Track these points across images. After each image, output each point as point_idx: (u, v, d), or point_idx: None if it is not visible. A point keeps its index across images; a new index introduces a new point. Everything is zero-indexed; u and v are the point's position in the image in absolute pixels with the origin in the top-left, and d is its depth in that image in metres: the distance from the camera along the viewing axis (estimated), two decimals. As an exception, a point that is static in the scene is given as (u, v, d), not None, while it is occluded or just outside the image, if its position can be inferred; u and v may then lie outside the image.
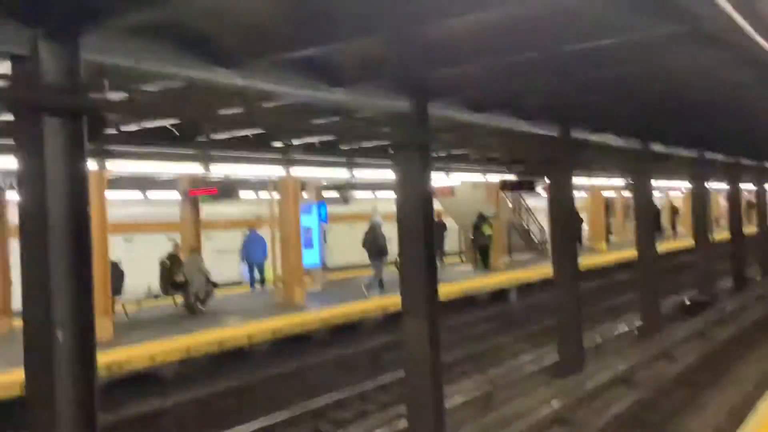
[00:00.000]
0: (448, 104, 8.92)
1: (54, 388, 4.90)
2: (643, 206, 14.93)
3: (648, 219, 15.01)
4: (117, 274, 13.65)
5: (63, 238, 4.94)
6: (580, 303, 11.90)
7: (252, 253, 18.66)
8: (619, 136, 12.83)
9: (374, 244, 16.71)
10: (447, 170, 16.11)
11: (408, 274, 8.53)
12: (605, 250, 26.32)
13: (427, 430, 8.24)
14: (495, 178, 19.76)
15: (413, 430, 8.39)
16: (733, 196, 22.19)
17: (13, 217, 13.48)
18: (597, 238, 27.47)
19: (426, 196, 8.50)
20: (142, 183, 19.17)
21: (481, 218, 21.26)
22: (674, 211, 35.38)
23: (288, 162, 13.48)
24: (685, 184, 24.46)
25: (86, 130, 5.14)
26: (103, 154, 10.63)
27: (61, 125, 4.96)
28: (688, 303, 17.64)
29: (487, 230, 21.37)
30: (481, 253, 21.74)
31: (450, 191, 20.08)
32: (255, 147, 12.07)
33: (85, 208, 5.13)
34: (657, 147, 14.63)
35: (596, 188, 26.42)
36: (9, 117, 8.31)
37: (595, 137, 12.05)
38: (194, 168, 12.36)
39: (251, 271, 18.94)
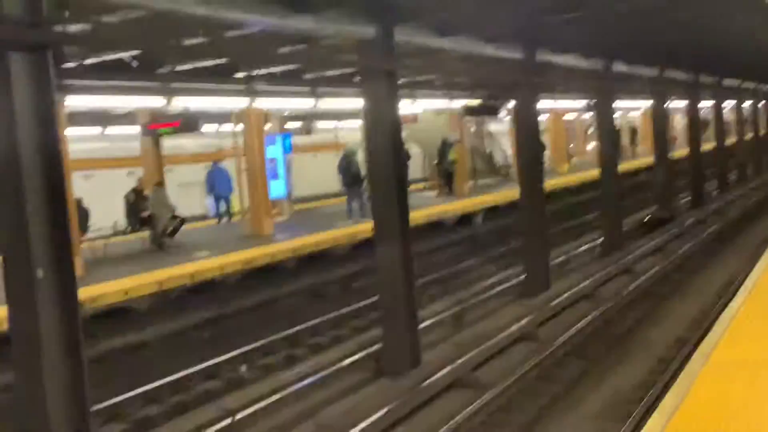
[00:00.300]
0: (413, 29, 8.86)
1: (38, 323, 4.95)
2: (606, 127, 15.16)
3: (610, 139, 15.27)
4: (81, 212, 13.49)
5: (36, 175, 4.91)
6: (546, 224, 12.18)
7: (217, 186, 18.55)
8: (582, 57, 12.90)
9: (348, 172, 16.84)
10: (411, 97, 16.06)
11: (379, 201, 8.63)
12: (567, 172, 26.71)
13: (402, 351, 8.52)
14: (458, 104, 19.83)
15: (389, 352, 8.65)
16: (692, 114, 22.58)
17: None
18: (559, 160, 27.83)
19: (394, 123, 8.54)
20: (102, 118, 18.75)
21: (446, 144, 21.37)
22: (633, 131, 35.92)
23: (251, 93, 13.29)
24: (643, 104, 24.77)
25: (51, 66, 5.04)
26: (61, 89, 10.35)
27: (26, 59, 4.86)
28: (647, 219, 18.14)
29: (451, 155, 21.52)
30: (445, 178, 21.94)
31: (414, 118, 20.05)
32: (218, 78, 11.87)
33: (56, 144, 5.09)
34: (619, 67, 14.75)
35: (557, 111, 26.61)
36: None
37: (558, 59, 12.10)
38: (155, 101, 12.14)
39: (217, 204, 18.86)
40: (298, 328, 11.37)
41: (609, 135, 15.27)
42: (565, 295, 11.25)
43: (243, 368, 10.17)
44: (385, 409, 7.29)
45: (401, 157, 8.65)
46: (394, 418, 7.30)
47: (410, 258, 8.59)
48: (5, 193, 4.96)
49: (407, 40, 8.74)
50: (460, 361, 8.48)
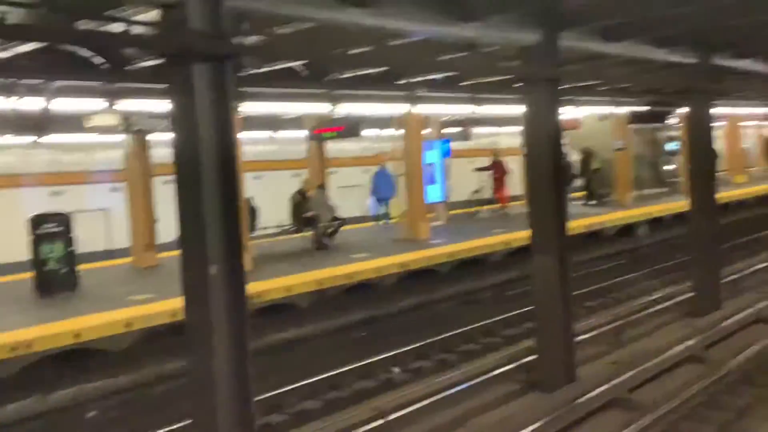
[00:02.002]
0: (578, 34, 8.60)
1: (210, 316, 5.29)
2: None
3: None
4: (250, 211, 14.27)
5: (214, 177, 5.25)
6: (717, 238, 11.42)
7: (381, 188, 19.00)
8: (764, 62, 11.97)
9: None
10: (574, 102, 15.64)
11: (536, 210, 8.46)
12: (743, 183, 24.94)
13: (557, 365, 8.29)
14: (623, 110, 19.07)
15: (543, 364, 8.45)
16: None
17: (155, 157, 14.35)
18: (734, 170, 26.03)
19: (555, 131, 8.33)
20: (272, 123, 19.75)
21: (588, 153, 20.87)
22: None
23: (412, 99, 13.50)
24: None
25: (230, 75, 5.37)
26: (237, 96, 11.01)
27: (208, 69, 5.21)
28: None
29: (595, 164, 21.08)
30: (588, 187, 21.36)
31: (575, 124, 19.53)
32: (380, 85, 12.15)
33: (233, 148, 5.41)
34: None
35: (734, 118, 24.89)
36: (155, 62, 8.80)
37: (737, 63, 11.30)
38: (321, 107, 12.62)
39: (380, 205, 19.32)
40: (450, 333, 11.39)
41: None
42: (738, 316, 10.48)
43: (396, 370, 10.33)
44: (536, 424, 7.14)
45: (561, 165, 8.42)
46: (547, 432, 7.14)
47: (567, 268, 8.35)
48: (186, 193, 5.33)
49: (571, 46, 8.50)
50: (618, 379, 8.13)
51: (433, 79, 12.74)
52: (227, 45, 5.38)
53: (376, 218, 19.39)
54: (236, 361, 5.39)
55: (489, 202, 20.73)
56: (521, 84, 8.58)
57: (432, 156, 17.66)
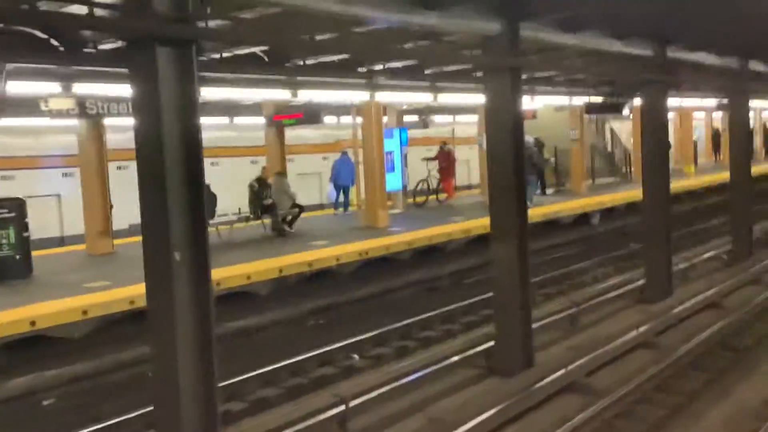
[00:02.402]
0: (539, 25, 8.72)
1: (174, 303, 5.26)
2: (739, 127, 14.38)
3: (743, 141, 14.48)
4: (210, 198, 14.11)
5: (178, 163, 5.20)
6: (670, 227, 11.72)
7: (341, 176, 18.94)
8: (717, 55, 12.29)
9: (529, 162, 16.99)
10: (531, 93, 15.84)
11: (496, 198, 8.57)
12: (693, 174, 25.58)
13: (515, 350, 8.44)
14: (579, 101, 19.37)
15: (501, 350, 8.59)
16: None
17: (110, 142, 14.10)
18: (685, 161, 26.68)
19: (517, 120, 8.45)
20: (229, 108, 19.55)
21: (538, 143, 21.05)
22: (766, 132, 33.93)
23: (372, 87, 13.51)
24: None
25: (195, 59, 5.32)
26: (198, 81, 10.87)
27: (172, 53, 5.15)
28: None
29: (545, 154, 21.37)
30: (538, 177, 21.56)
31: (532, 114, 19.76)
32: (341, 72, 12.13)
33: (198, 134, 5.37)
34: (756, 66, 13.95)
35: (685, 109, 25.49)
36: (114, 45, 8.64)
37: (690, 56, 11.58)
38: (281, 93, 12.54)
39: (338, 194, 19.27)
40: (410, 320, 11.49)
41: (741, 136, 14.48)
42: (689, 303, 10.79)
43: (355, 357, 10.39)
44: (496, 408, 7.26)
45: (521, 154, 8.55)
46: (505, 417, 7.25)
47: (526, 256, 8.50)
48: (149, 180, 5.27)
49: (531, 36, 8.62)
50: (574, 364, 8.32)
51: (394, 68, 12.77)
52: (192, 29, 5.33)
53: (336, 206, 19.36)
54: (201, 347, 5.38)
55: (435, 192, 20.62)
56: (482, 73, 8.66)
57: (391, 144, 17.69)
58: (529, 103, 18.09)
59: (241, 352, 10.14)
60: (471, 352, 9.38)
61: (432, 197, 20.33)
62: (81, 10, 5.90)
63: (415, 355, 10.17)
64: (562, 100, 19.77)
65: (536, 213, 16.39)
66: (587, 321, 10.71)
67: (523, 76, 14.30)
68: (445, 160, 20.68)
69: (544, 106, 20.24)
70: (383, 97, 15.02)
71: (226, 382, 8.72)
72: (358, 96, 14.46)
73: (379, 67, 12.59)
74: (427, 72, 13.18)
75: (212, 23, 7.17)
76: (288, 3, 6.23)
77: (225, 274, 10.96)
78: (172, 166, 5.17)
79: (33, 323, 8.88)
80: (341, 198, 19.27)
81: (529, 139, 17.21)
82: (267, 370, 9.50)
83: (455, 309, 12.18)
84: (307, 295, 12.08)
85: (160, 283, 5.33)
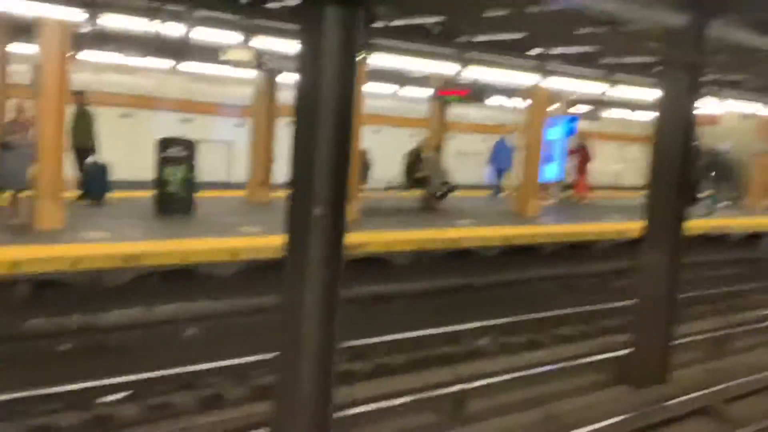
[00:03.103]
0: (729, 22, 8.07)
1: (307, 255, 5.42)
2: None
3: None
4: (365, 163, 14.42)
5: (329, 121, 5.31)
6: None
7: (499, 159, 18.69)
8: None
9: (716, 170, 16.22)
10: (715, 96, 14.77)
11: (654, 201, 8.09)
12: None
13: (650, 363, 8.02)
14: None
15: (636, 360, 8.18)
16: None
17: (282, 98, 14.68)
18: None
19: (688, 121, 7.91)
20: (397, 78, 19.76)
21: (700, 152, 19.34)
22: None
23: (542, 71, 13.13)
24: None
25: (362, 22, 5.37)
26: (366, 47, 11.05)
27: (340, 13, 5.23)
28: None
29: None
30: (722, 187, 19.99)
31: (714, 120, 18.45)
32: (511, 52, 11.88)
33: (352, 95, 5.44)
34: None
35: None
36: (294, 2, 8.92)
37: None
38: (449, 68, 12.47)
39: (497, 177, 19.06)
40: (544, 314, 11.19)
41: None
42: None
43: (483, 341, 10.28)
44: (621, 417, 6.95)
45: (689, 158, 8.00)
46: (630, 428, 6.93)
47: (678, 268, 7.99)
48: (301, 134, 5.42)
49: (720, 35, 7.99)
50: (713, 388, 7.77)
51: (567, 53, 12.32)
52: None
53: (490, 188, 19.14)
54: (326, 300, 5.51)
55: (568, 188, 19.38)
56: (659, 68, 8.16)
57: (555, 133, 17.19)
58: (711, 107, 16.91)
59: (373, 318, 10.33)
60: (602, 356, 9.04)
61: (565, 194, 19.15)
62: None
63: (543, 349, 9.95)
64: (753, 107, 18.27)
65: (701, 225, 15.37)
66: (735, 347, 9.96)
67: (707, 78, 13.50)
68: (582, 156, 19.24)
69: (728, 112, 18.83)
70: (553, 83, 14.56)
71: (354, 343, 8.94)
72: (527, 79, 14.11)
73: (551, 51, 12.20)
74: (603, 61, 12.61)
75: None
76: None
77: (367, 238, 11.17)
78: (323, 125, 5.28)
79: (185, 256, 9.49)
80: (497, 181, 19.01)
81: (723, 146, 16.17)
82: (393, 338, 9.61)
83: (593, 311, 11.72)
84: (444, 271, 12.07)
85: (297, 235, 5.51)
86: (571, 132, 18.02)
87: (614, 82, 13.30)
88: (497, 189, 18.99)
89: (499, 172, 18.93)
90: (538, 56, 12.34)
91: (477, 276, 12.47)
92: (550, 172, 17.32)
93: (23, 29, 10.82)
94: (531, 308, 11.24)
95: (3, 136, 9.18)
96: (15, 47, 11.80)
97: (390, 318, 10.54)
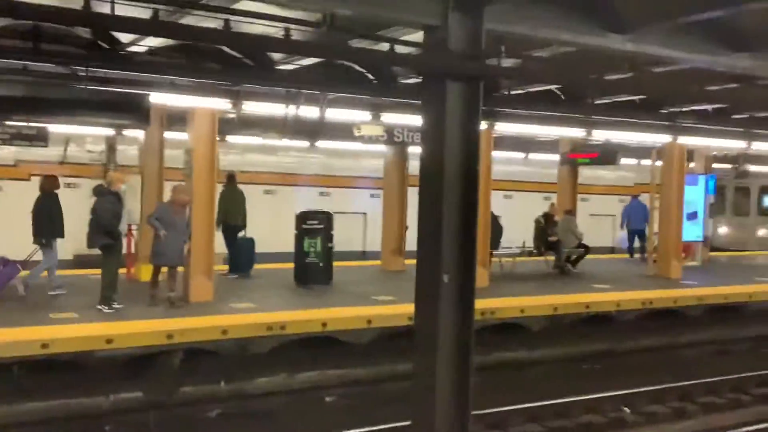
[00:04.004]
0: None
1: (437, 321, 5.57)
2: None
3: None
4: (496, 229, 14.46)
5: (455, 189, 5.53)
6: None
7: (634, 220, 18.13)
8: None
9: None
10: None
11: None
12: None
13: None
14: None
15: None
16: None
17: (412, 169, 15.13)
18: None
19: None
20: (525, 144, 19.86)
21: None
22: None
23: (675, 129, 12.82)
24: None
25: (481, 94, 5.62)
26: (491, 115, 11.31)
27: (460, 88, 5.51)
28: None
29: None
30: None
31: None
32: (640, 112, 11.73)
33: (476, 164, 5.66)
34: None
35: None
36: (418, 80, 9.37)
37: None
38: (576, 131, 12.47)
39: (631, 239, 18.50)
40: (692, 381, 10.63)
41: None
42: None
43: (626, 410, 9.89)
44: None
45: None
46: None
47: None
48: (427, 203, 5.67)
49: None
50: None
51: (701, 110, 12.01)
52: (482, 66, 5.63)
53: (630, 251, 18.56)
54: (458, 368, 5.61)
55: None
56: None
57: (694, 191, 16.56)
58: None
59: (508, 384, 10.22)
60: (760, 426, 8.48)
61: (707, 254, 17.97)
62: (387, 47, 6.53)
63: (694, 419, 9.45)
64: None
65: None
66: None
67: None
68: None
69: None
70: (688, 140, 14.16)
71: (488, 411, 8.87)
72: (659, 138, 13.81)
73: (683, 108, 11.94)
74: (738, 116, 12.18)
75: (506, 61, 7.49)
76: (580, 42, 6.28)
77: (500, 304, 11.15)
78: (449, 192, 5.50)
79: (324, 325, 9.86)
80: (636, 243, 18.42)
81: None
82: (531, 406, 9.44)
83: (749, 377, 11.00)
84: (581, 337, 11.78)
85: (427, 301, 5.69)
86: (711, 190, 17.29)
87: (754, 137, 12.75)
88: (633, 251, 18.38)
89: (635, 233, 18.35)
90: (669, 114, 12.09)
91: (617, 341, 12.07)
92: (691, 231, 16.61)
93: (177, 118, 11.91)
94: (677, 375, 10.72)
95: (162, 217, 10.03)
96: (170, 134, 12.95)
97: (526, 385, 10.38)
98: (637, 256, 18.23)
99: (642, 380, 10.43)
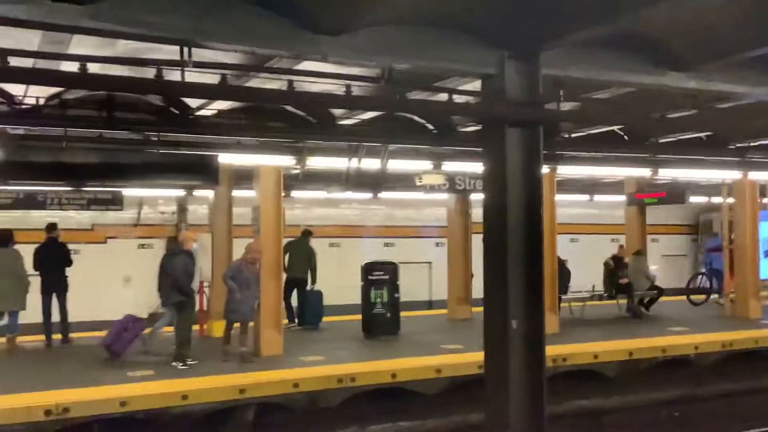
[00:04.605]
0: None
1: (508, 368, 5.52)
2: None
3: None
4: (564, 273, 14.24)
5: (519, 234, 5.54)
6: None
7: (715, 261, 17.49)
8: None
9: None
10: None
11: None
12: None
13: None
14: None
15: None
16: None
17: (475, 216, 15.12)
18: None
19: None
20: (589, 186, 19.63)
21: None
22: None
23: (745, 164, 12.50)
24: None
25: (542, 138, 5.65)
26: (553, 158, 11.26)
27: (520, 134, 5.55)
28: None
29: None
30: None
31: None
32: (707, 149, 11.51)
33: (539, 209, 5.66)
34: None
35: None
36: (477, 127, 9.47)
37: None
38: (641, 171, 12.28)
39: (710, 280, 17.88)
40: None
41: None
42: None
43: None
44: None
45: None
46: None
47: None
48: (492, 248, 5.68)
49: None
50: None
51: (770, 144, 11.72)
52: (540, 111, 5.68)
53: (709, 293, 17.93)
54: (530, 415, 5.53)
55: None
56: None
57: (768, 228, 15.99)
58: None
59: (584, 432, 9.95)
60: None
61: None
62: (446, 97, 6.64)
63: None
64: None
65: None
66: None
67: None
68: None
69: None
70: (760, 176, 13.76)
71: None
72: (728, 175, 13.47)
73: (751, 143, 11.66)
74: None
75: (565, 105, 7.48)
76: (639, 82, 6.26)
77: (572, 350, 10.92)
78: (513, 238, 5.51)
79: (394, 376, 9.82)
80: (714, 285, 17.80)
81: None
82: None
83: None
84: (658, 382, 11.39)
85: (496, 348, 5.65)
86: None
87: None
88: (713, 292, 17.76)
89: (714, 273, 17.72)
90: (736, 150, 11.81)
91: (696, 386, 11.61)
92: (769, 269, 15.99)
93: (244, 177, 12.26)
94: (763, 421, 10.24)
95: (236, 276, 10.25)
96: (238, 192, 13.32)
97: (603, 433, 10.08)
98: (715, 296, 17.59)
99: (725, 426, 10.01)
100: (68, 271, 11.95)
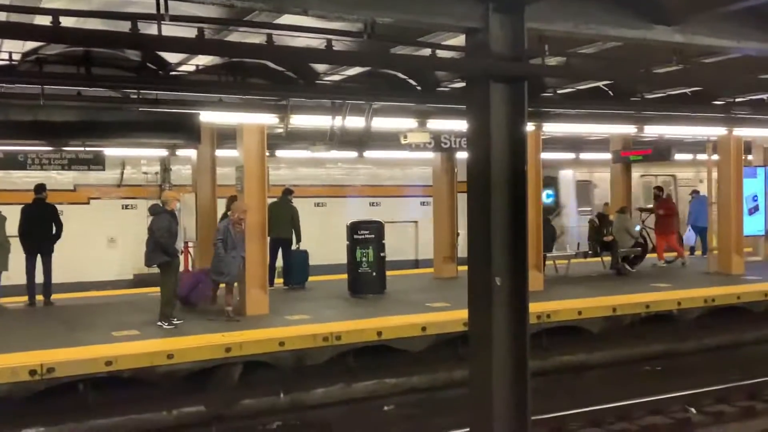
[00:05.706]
0: None
1: (491, 325, 5.51)
2: None
3: None
4: (549, 231, 14.28)
5: (503, 192, 5.48)
6: None
7: (701, 218, 17.57)
8: None
9: None
10: None
11: None
12: None
13: None
14: None
15: None
16: None
17: (460, 175, 15.08)
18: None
19: None
20: (575, 143, 19.59)
21: None
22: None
23: (730, 120, 12.48)
24: None
25: (526, 94, 5.56)
26: (538, 116, 11.19)
27: (504, 90, 5.46)
28: None
29: None
30: None
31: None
32: (693, 105, 11.46)
33: (523, 166, 5.59)
34: None
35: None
36: (462, 84, 9.36)
37: None
38: (627, 128, 12.24)
39: (696, 236, 18.03)
40: (761, 379, 10.29)
41: None
42: None
43: (692, 410, 9.63)
44: None
45: None
46: None
47: None
48: (476, 207, 5.63)
49: None
50: None
51: (756, 99, 11.68)
52: (524, 66, 5.58)
53: (692, 249, 18.09)
54: (515, 371, 5.54)
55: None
56: None
57: (754, 184, 16.08)
58: None
59: (567, 388, 10.06)
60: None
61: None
62: (429, 52, 6.53)
63: (764, 417, 9.14)
64: None
65: None
66: None
67: None
68: (665, 211, 16.11)
69: None
70: (745, 132, 13.77)
71: (548, 415, 8.74)
72: (713, 131, 13.47)
73: (738, 98, 11.63)
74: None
75: (550, 60, 7.40)
76: (626, 37, 6.18)
77: (556, 307, 11.00)
78: (497, 195, 5.46)
79: (379, 334, 9.88)
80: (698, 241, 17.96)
81: None
82: (593, 410, 9.27)
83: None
84: (642, 338, 11.53)
85: (480, 306, 5.64)
86: (772, 181, 16.75)
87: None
88: (694, 248, 17.92)
89: (698, 230, 17.85)
90: (722, 106, 11.77)
91: (679, 341, 11.78)
92: (753, 225, 16.13)
93: (228, 136, 12.11)
94: (742, 373, 10.40)
95: (226, 238, 10.17)
96: (221, 152, 13.18)
97: (586, 388, 10.20)
98: (697, 253, 17.77)
99: (707, 380, 10.15)
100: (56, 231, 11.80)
